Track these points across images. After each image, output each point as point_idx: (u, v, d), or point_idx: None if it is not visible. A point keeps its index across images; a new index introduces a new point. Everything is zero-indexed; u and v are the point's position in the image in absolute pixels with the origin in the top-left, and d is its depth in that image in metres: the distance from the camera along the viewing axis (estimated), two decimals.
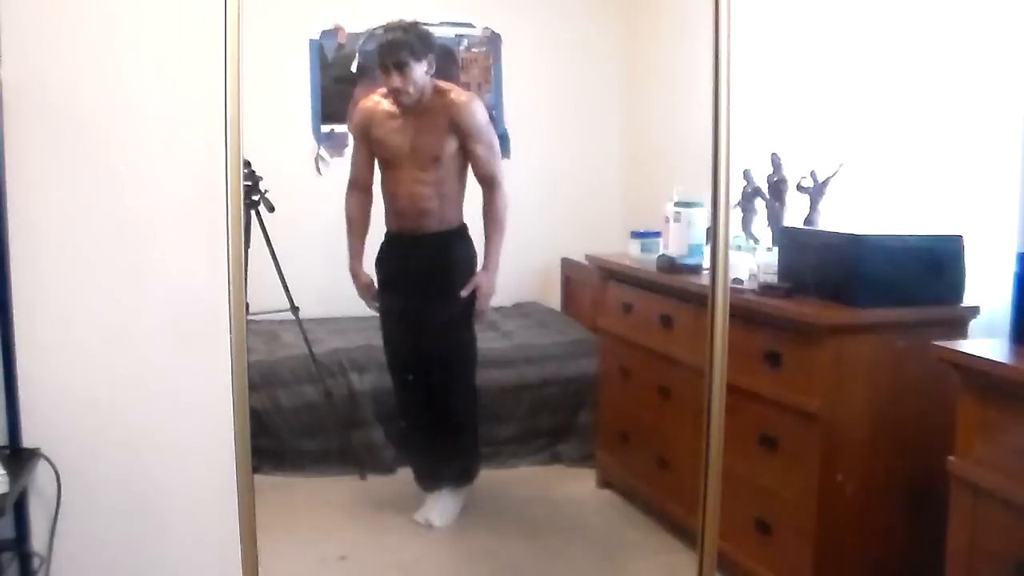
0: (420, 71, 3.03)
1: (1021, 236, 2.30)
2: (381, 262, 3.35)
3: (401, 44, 3.00)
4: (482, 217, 3.26)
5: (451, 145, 3.13)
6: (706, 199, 2.35)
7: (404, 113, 3.15)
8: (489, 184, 3.21)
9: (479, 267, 3.29)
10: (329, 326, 4.28)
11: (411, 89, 3.03)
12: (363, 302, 3.47)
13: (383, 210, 3.32)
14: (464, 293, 3.19)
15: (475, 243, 3.33)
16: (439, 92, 3.13)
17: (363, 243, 3.37)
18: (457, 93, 3.16)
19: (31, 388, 2.11)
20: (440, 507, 3.32)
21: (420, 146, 3.13)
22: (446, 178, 3.17)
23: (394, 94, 3.09)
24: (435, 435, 3.37)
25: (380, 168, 3.28)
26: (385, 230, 3.35)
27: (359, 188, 3.35)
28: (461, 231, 3.29)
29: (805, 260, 2.58)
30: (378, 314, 3.43)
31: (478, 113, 3.13)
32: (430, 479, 3.39)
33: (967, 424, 1.94)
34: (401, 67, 3.00)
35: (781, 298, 2.55)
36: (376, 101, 3.24)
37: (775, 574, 2.56)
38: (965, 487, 1.93)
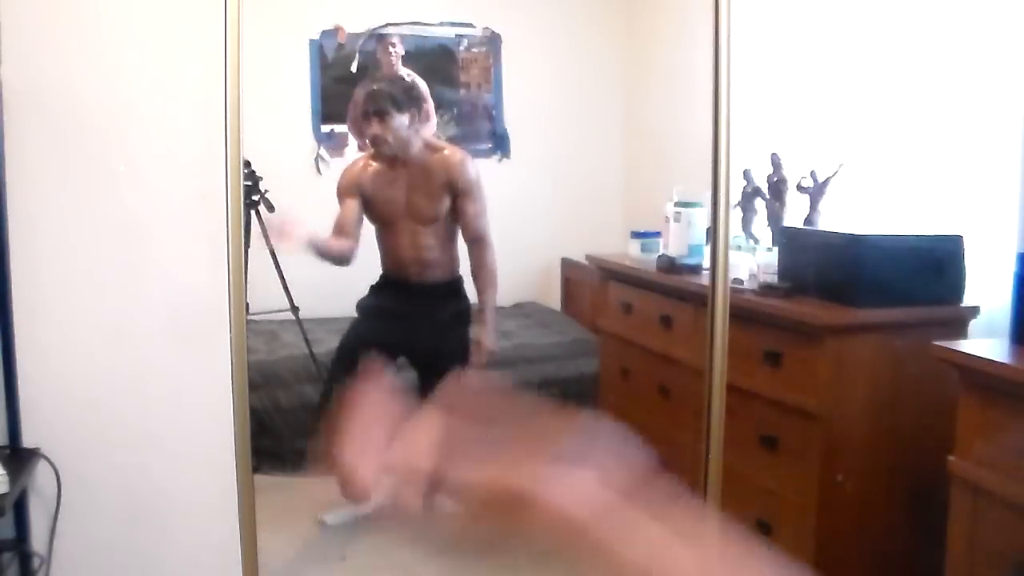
0: (401, 122, 3.05)
1: (1021, 236, 2.30)
2: (375, 292, 3.31)
3: (384, 94, 3.06)
4: (472, 274, 3.21)
5: (446, 202, 3.12)
6: (706, 199, 2.35)
7: (395, 170, 3.14)
8: (479, 242, 3.16)
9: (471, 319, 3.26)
10: (329, 326, 4.27)
11: (390, 138, 3.04)
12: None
13: (378, 256, 3.30)
14: (469, 360, 3.14)
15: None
16: (431, 149, 3.14)
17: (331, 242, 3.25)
18: (451, 152, 3.16)
19: (31, 388, 2.11)
20: None
21: (417, 204, 3.13)
22: (445, 231, 3.18)
23: (373, 142, 3.11)
24: None
25: (376, 225, 3.26)
26: (381, 272, 3.31)
27: (344, 235, 3.24)
28: (458, 282, 3.27)
29: (805, 260, 2.58)
30: (352, 322, 3.36)
31: (471, 171, 3.13)
32: None
33: (967, 424, 1.94)
34: (382, 115, 3.03)
35: (781, 298, 2.55)
36: (365, 163, 3.23)
37: None
38: (965, 487, 1.93)
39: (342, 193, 3.27)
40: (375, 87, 3.13)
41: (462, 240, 3.21)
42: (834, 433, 2.38)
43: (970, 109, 2.53)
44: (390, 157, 3.12)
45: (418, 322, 3.17)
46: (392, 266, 3.28)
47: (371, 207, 3.23)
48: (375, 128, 3.06)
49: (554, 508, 0.56)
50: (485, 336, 3.16)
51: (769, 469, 2.58)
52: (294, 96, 4.54)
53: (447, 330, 3.20)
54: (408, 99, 3.10)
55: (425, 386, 3.13)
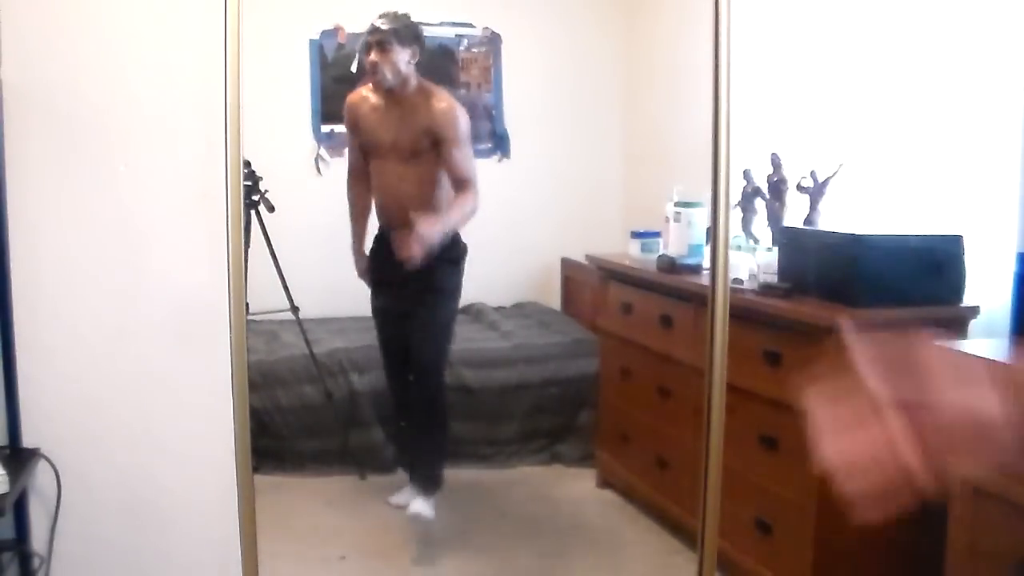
0: (401, 56, 3.07)
1: (1021, 236, 2.30)
2: (372, 258, 3.39)
3: (388, 27, 3.09)
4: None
5: (426, 145, 3.12)
6: (706, 199, 2.35)
7: (387, 103, 3.17)
8: (464, 184, 3.10)
9: (464, 264, 3.28)
10: (329, 326, 4.27)
11: (388, 69, 3.07)
12: (364, 302, 3.48)
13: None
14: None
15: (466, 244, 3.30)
16: (423, 91, 3.14)
17: (364, 225, 3.44)
18: (438, 98, 3.13)
19: (31, 388, 2.11)
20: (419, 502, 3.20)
21: (400, 140, 3.15)
22: (427, 173, 3.16)
23: (371, 69, 3.12)
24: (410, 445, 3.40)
25: (368, 161, 3.30)
26: (377, 225, 3.38)
27: (356, 175, 3.42)
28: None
29: (805, 260, 2.58)
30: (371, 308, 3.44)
31: (456, 121, 3.10)
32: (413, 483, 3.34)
33: None
34: (382, 46, 3.06)
35: (781, 298, 2.55)
36: (363, 95, 3.29)
37: (775, 574, 2.56)
38: (965, 487, 1.93)
39: (347, 127, 3.40)
40: (378, 21, 3.14)
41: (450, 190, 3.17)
42: None
43: (970, 109, 2.53)
44: (386, 90, 3.15)
45: (408, 277, 3.10)
46: (379, 210, 3.31)
47: (361, 138, 3.29)
48: (374, 56, 3.08)
49: None
50: (426, 224, 2.93)
51: (769, 469, 2.58)
52: (294, 96, 4.53)
53: (438, 271, 3.15)
54: (411, 36, 3.12)
55: (410, 309, 3.22)
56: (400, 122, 3.16)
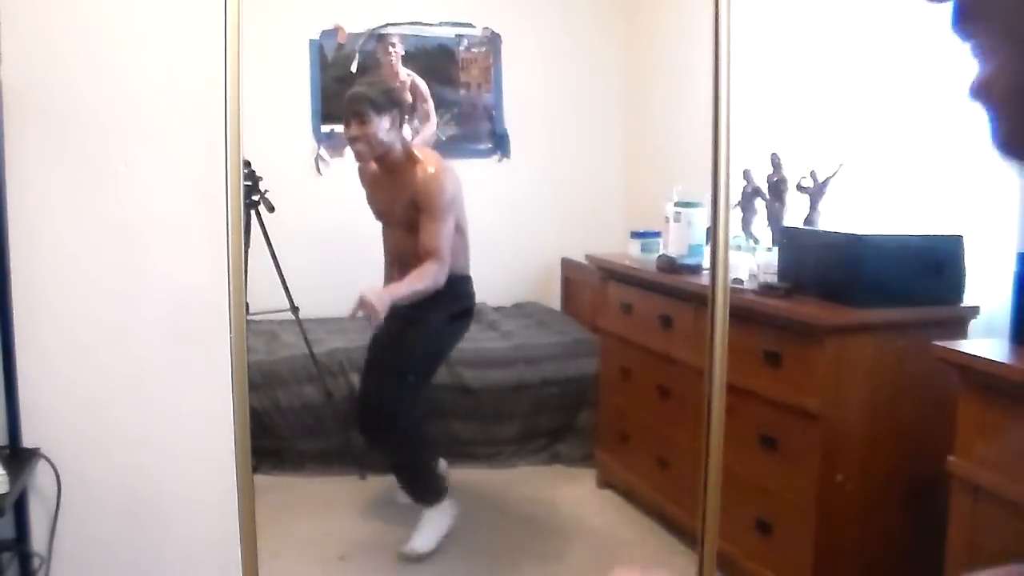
0: (380, 125, 2.99)
1: (1021, 236, 2.30)
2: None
3: (363, 96, 3.00)
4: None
5: (414, 213, 3.04)
6: (706, 199, 2.35)
7: (382, 173, 3.13)
8: (427, 256, 2.99)
9: (468, 311, 3.25)
10: (329, 326, 4.27)
11: (368, 141, 3.00)
12: None
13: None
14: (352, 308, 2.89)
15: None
16: (410, 158, 3.06)
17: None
18: (423, 166, 3.03)
19: (31, 388, 2.11)
20: (420, 530, 3.16)
21: (392, 209, 3.12)
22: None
23: (351, 144, 3.09)
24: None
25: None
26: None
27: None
28: (451, 284, 3.08)
29: (805, 260, 2.58)
30: None
31: (436, 191, 3.00)
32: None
33: (967, 424, 1.94)
34: (360, 118, 2.98)
35: (781, 298, 2.55)
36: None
37: (775, 574, 2.56)
38: (965, 487, 1.93)
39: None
40: (355, 89, 3.09)
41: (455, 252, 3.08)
42: (834, 433, 2.38)
43: (970, 109, 2.53)
44: (379, 159, 3.08)
45: (416, 329, 3.11)
46: (386, 267, 3.31)
47: (369, 206, 3.29)
48: (353, 130, 3.02)
49: None
50: (372, 293, 2.86)
51: (769, 469, 2.58)
52: (294, 96, 4.54)
53: (424, 327, 3.11)
54: (388, 101, 3.02)
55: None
56: (391, 192, 3.10)
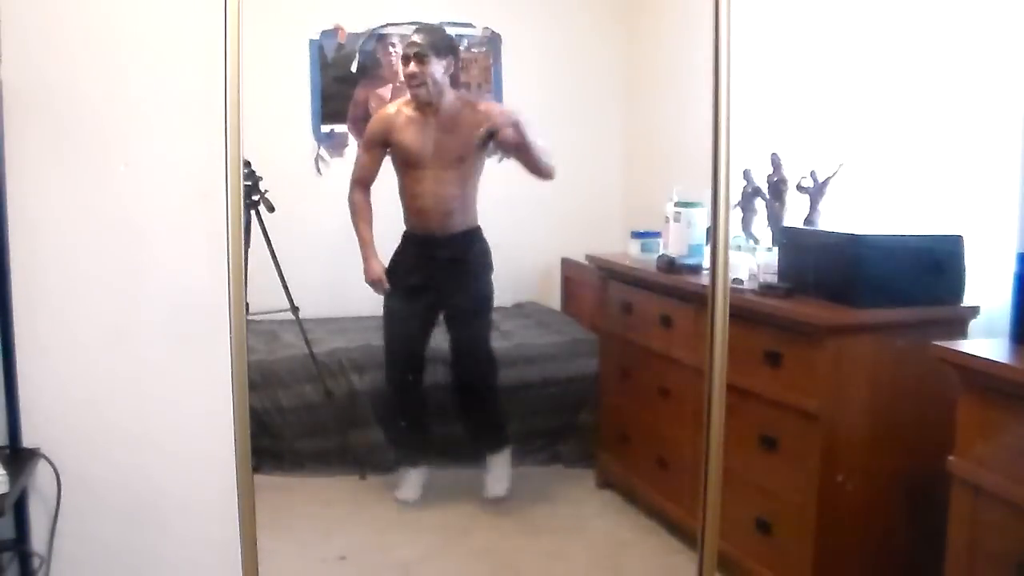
0: (438, 67, 3.23)
1: (1021, 236, 2.30)
2: (399, 263, 3.47)
3: (425, 39, 3.24)
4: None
5: (476, 146, 3.28)
6: (706, 199, 2.35)
7: (424, 116, 3.31)
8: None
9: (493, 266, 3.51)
10: (329, 326, 4.27)
11: (427, 80, 3.22)
12: (364, 302, 3.52)
13: (400, 212, 3.46)
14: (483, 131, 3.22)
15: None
16: (463, 101, 3.35)
17: (372, 232, 3.49)
18: (484, 104, 3.37)
19: (31, 388, 2.11)
20: (495, 475, 3.51)
21: (445, 147, 3.29)
22: (468, 179, 3.35)
23: (408, 81, 3.27)
24: (469, 417, 3.60)
25: (399, 171, 3.42)
26: (404, 231, 3.47)
27: (363, 185, 3.50)
28: (479, 231, 3.46)
29: (805, 260, 2.58)
30: (383, 309, 3.52)
31: (509, 112, 3.33)
32: (481, 449, 3.58)
33: (967, 424, 1.94)
34: (420, 58, 3.21)
35: (781, 298, 2.55)
36: (397, 109, 3.42)
37: (775, 574, 2.56)
38: (965, 487, 1.93)
39: (370, 140, 3.49)
40: (415, 33, 3.31)
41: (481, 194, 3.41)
42: (834, 433, 2.38)
43: (970, 109, 2.53)
44: (423, 103, 3.30)
45: (446, 277, 3.39)
46: (414, 215, 3.41)
47: (397, 151, 3.40)
48: (412, 68, 3.24)
49: None
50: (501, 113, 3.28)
51: (769, 469, 2.58)
52: (294, 96, 4.54)
53: (474, 277, 3.43)
54: (447, 47, 3.28)
55: (448, 319, 3.49)
56: (442, 133, 3.30)
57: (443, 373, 3.70)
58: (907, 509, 2.42)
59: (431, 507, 3.49)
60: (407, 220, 3.44)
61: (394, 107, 3.45)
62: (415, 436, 3.55)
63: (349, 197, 3.49)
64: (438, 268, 3.39)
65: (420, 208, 3.37)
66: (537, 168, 3.35)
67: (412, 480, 3.52)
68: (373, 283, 3.47)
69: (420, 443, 3.57)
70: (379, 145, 3.42)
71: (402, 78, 3.33)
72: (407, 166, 3.38)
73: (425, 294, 3.42)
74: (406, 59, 3.27)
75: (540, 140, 3.30)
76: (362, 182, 3.48)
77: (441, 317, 3.51)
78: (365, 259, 3.46)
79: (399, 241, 3.49)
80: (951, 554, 1.97)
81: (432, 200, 3.34)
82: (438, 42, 3.25)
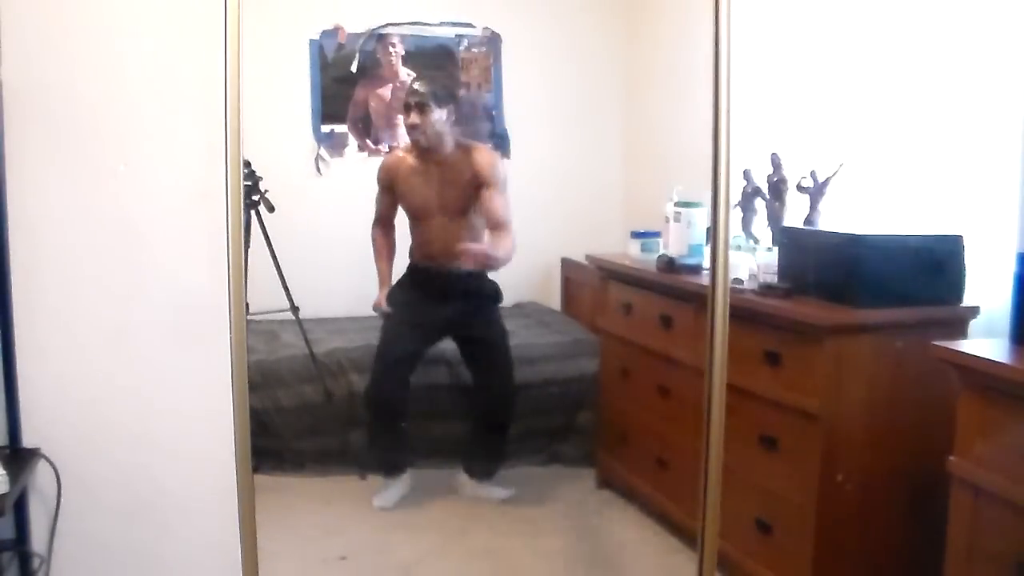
0: (439, 116, 3.25)
1: (1021, 236, 2.30)
2: (403, 289, 3.53)
3: (426, 89, 3.27)
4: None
5: (474, 196, 3.31)
6: (706, 199, 2.35)
7: (427, 164, 3.35)
8: (501, 227, 3.27)
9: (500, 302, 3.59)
10: (329, 326, 4.28)
11: (427, 130, 3.25)
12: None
13: (408, 243, 3.55)
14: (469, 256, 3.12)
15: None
16: (462, 148, 3.34)
17: (391, 265, 3.60)
18: (478, 150, 3.35)
19: (31, 388, 2.11)
20: (470, 487, 3.59)
21: (448, 199, 3.33)
22: (475, 223, 3.37)
23: (409, 131, 3.30)
24: (476, 443, 3.67)
25: (409, 217, 3.48)
26: (408, 263, 3.53)
27: (383, 225, 3.60)
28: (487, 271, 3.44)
29: (805, 260, 2.58)
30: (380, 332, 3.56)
31: (497, 168, 3.32)
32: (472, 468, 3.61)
33: (967, 424, 1.94)
34: (421, 108, 3.23)
35: (781, 298, 2.55)
36: (400, 157, 3.47)
37: (775, 574, 2.56)
38: (965, 487, 1.93)
39: (380, 185, 3.55)
40: (416, 81, 3.37)
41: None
42: (834, 433, 2.38)
43: (970, 109, 2.53)
44: (424, 150, 3.33)
45: (455, 302, 3.43)
46: (423, 258, 3.49)
47: (404, 200, 3.46)
48: (413, 119, 3.26)
49: None
50: (478, 247, 3.12)
51: (769, 469, 2.58)
52: (294, 96, 4.54)
53: (482, 306, 3.49)
54: (447, 96, 3.31)
55: (467, 356, 3.58)
56: (444, 182, 3.34)
57: (445, 374, 3.71)
58: (907, 509, 2.42)
59: (431, 507, 3.49)
60: (414, 255, 3.51)
61: (397, 155, 3.50)
62: (392, 450, 3.56)
63: (372, 233, 3.59)
64: (446, 301, 3.43)
65: (429, 253, 3.45)
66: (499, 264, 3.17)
67: (391, 490, 3.53)
68: (375, 308, 3.57)
69: (397, 456, 3.57)
70: (389, 191, 3.49)
71: (403, 117, 3.37)
72: (414, 215, 3.45)
73: (433, 312, 3.45)
74: (407, 108, 3.29)
75: (501, 220, 3.26)
76: (381, 221, 3.58)
77: (458, 351, 3.62)
78: (380, 287, 3.57)
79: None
80: (951, 554, 1.97)
81: (440, 247, 3.37)
82: (439, 91, 3.28)
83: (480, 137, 4.78)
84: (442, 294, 3.44)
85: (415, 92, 3.27)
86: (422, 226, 3.43)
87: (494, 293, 3.55)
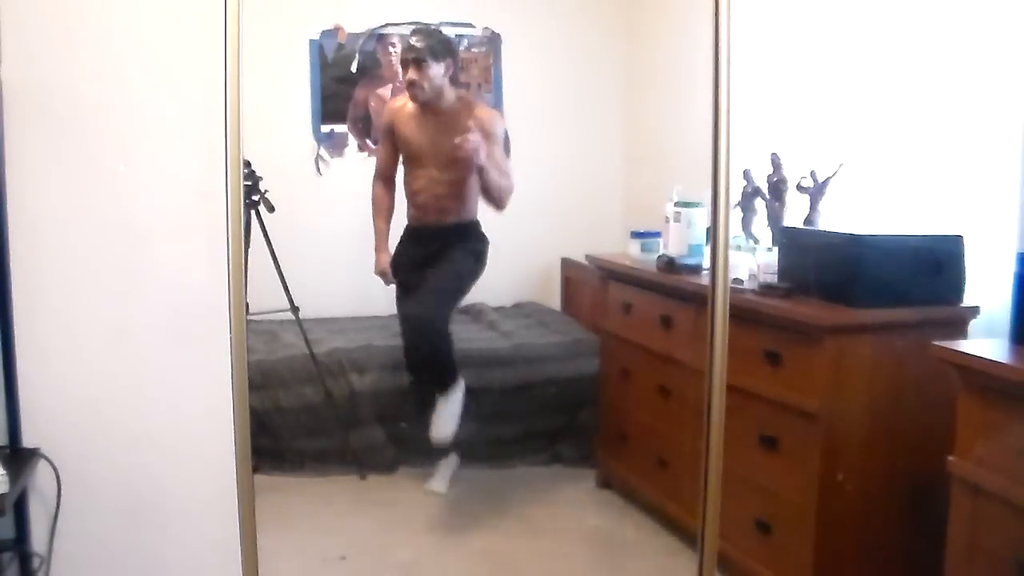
0: (436, 71, 3.28)
1: (1021, 236, 2.30)
2: (400, 255, 3.59)
3: (423, 43, 3.27)
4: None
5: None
6: (706, 199, 2.35)
7: (425, 114, 3.38)
8: (502, 176, 3.31)
9: (485, 259, 3.54)
10: (329, 326, 4.27)
11: (425, 84, 3.27)
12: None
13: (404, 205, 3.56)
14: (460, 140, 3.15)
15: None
16: (463, 102, 3.37)
17: (388, 225, 3.61)
18: (480, 107, 3.39)
19: (31, 388, 2.11)
20: (440, 416, 3.42)
21: (441, 146, 3.32)
22: (465, 178, 3.37)
23: (408, 87, 3.32)
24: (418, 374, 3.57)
25: (403, 165, 3.53)
26: (405, 224, 3.57)
27: (383, 176, 3.63)
28: (474, 225, 3.51)
29: (805, 260, 2.58)
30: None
31: (500, 124, 3.38)
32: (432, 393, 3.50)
33: (967, 424, 1.94)
34: (419, 63, 3.26)
35: (781, 298, 2.55)
36: (404, 102, 3.50)
37: (775, 574, 2.56)
38: (965, 487, 1.93)
39: (382, 132, 3.64)
40: (414, 37, 3.36)
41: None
42: (834, 433, 2.38)
43: (970, 109, 2.53)
44: (423, 103, 3.36)
45: (434, 260, 3.42)
46: (412, 208, 3.54)
47: (399, 144, 3.51)
48: (411, 74, 3.29)
49: None
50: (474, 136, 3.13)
51: (769, 469, 2.58)
52: (294, 96, 4.54)
53: (452, 258, 3.43)
54: (445, 50, 3.32)
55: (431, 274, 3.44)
56: (439, 132, 3.36)
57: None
58: (907, 509, 2.42)
59: (431, 507, 3.49)
60: (408, 212, 3.55)
61: (401, 100, 3.53)
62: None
63: (372, 188, 3.63)
64: (429, 256, 3.46)
65: (417, 203, 3.48)
66: (487, 189, 3.29)
67: (443, 470, 3.61)
68: (379, 274, 3.60)
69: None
70: (389, 137, 3.54)
71: (401, 79, 3.39)
72: (408, 161, 3.48)
73: (423, 270, 3.47)
74: (404, 64, 3.32)
75: (501, 167, 3.30)
76: (381, 174, 3.62)
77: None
78: (376, 250, 3.60)
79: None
80: (951, 554, 1.97)
81: (428, 196, 3.43)
82: (435, 45, 3.29)
83: None
84: (428, 249, 3.46)
85: (412, 48, 3.28)
86: (414, 174, 3.46)
87: (475, 246, 3.50)
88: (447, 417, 3.45)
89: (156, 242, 2.16)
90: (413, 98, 3.35)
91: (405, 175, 3.53)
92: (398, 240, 3.61)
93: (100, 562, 2.19)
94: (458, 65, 3.42)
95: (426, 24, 3.51)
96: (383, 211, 3.61)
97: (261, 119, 4.05)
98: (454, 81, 3.46)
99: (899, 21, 2.79)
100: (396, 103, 3.56)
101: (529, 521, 3.38)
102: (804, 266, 2.57)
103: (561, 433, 3.97)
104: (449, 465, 3.65)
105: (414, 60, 3.27)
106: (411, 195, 3.51)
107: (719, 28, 1.62)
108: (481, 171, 3.19)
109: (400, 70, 3.45)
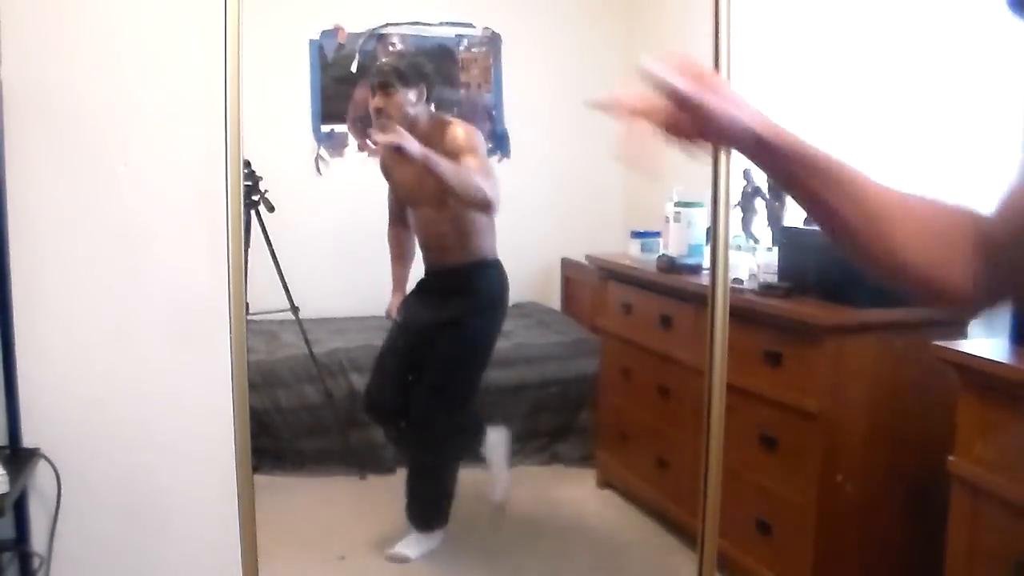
0: (406, 98, 2.91)
1: None
2: (411, 296, 3.28)
3: (390, 68, 2.95)
4: None
5: None
6: (706, 199, 2.35)
7: (403, 154, 2.91)
8: (483, 176, 2.87)
9: (505, 300, 3.23)
10: (329, 326, 4.27)
11: (393, 112, 2.90)
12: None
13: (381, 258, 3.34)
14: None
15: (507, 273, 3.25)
16: (438, 126, 2.97)
17: (404, 268, 3.34)
18: (453, 125, 2.99)
19: (31, 388, 2.11)
20: (410, 540, 3.14)
21: (428, 185, 2.94)
22: (463, 213, 3.01)
23: (375, 116, 2.96)
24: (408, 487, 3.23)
25: (405, 206, 3.23)
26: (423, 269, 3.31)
27: (393, 220, 3.33)
28: (484, 265, 3.14)
29: (805, 260, 2.58)
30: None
31: (470, 135, 2.95)
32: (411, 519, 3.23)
33: (967, 424, 1.94)
34: (385, 88, 2.91)
35: (781, 298, 2.55)
36: None
37: (775, 574, 2.56)
38: (965, 487, 1.93)
39: (383, 175, 3.23)
40: (383, 62, 3.03)
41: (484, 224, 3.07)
42: (834, 433, 2.38)
43: (970, 109, 2.53)
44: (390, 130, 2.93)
45: (436, 313, 3.10)
46: (423, 250, 3.21)
47: (393, 187, 3.22)
48: (378, 101, 2.92)
49: None
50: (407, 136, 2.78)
51: (769, 469, 2.58)
52: (294, 96, 4.54)
53: (464, 321, 3.09)
54: (415, 75, 2.94)
55: (420, 378, 3.13)
56: (422, 169, 2.87)
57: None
58: (907, 509, 2.42)
59: None
60: (422, 257, 3.26)
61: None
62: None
63: (387, 234, 3.36)
64: (433, 304, 3.13)
65: (422, 245, 3.20)
66: (447, 187, 2.81)
67: (422, 543, 3.16)
68: (385, 314, 3.34)
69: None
70: (386, 178, 3.23)
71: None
72: (405, 203, 3.20)
73: (423, 322, 3.14)
74: (372, 90, 2.96)
75: (447, 166, 2.79)
76: (391, 216, 3.33)
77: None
78: (393, 294, 3.31)
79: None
80: (951, 554, 1.97)
81: (428, 238, 3.15)
82: (405, 69, 2.93)
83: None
84: (431, 292, 3.18)
85: (378, 71, 2.96)
86: (414, 216, 3.16)
87: (488, 295, 3.16)
88: (417, 544, 3.10)
89: (156, 242, 2.16)
90: (380, 128, 2.90)
91: (410, 218, 3.21)
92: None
93: (100, 562, 2.19)
94: (432, 91, 3.00)
95: (402, 50, 3.07)
96: (395, 255, 3.33)
97: (261, 119, 4.04)
98: (452, 83, 3.23)
99: (900, 18, 2.79)
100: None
101: (529, 521, 3.38)
102: (804, 266, 2.57)
103: (561, 433, 3.97)
104: (428, 540, 3.15)
105: (380, 85, 2.91)
106: (418, 238, 3.20)
107: (719, 27, 1.62)
108: (429, 168, 2.77)
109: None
